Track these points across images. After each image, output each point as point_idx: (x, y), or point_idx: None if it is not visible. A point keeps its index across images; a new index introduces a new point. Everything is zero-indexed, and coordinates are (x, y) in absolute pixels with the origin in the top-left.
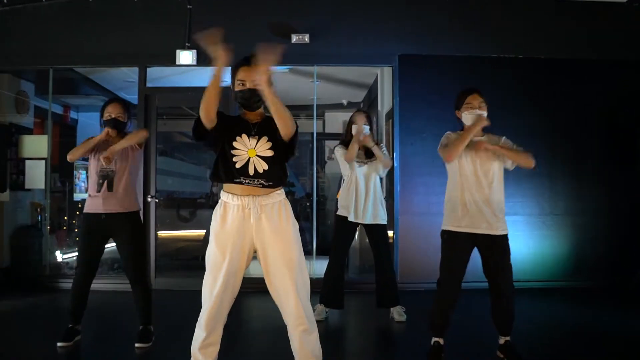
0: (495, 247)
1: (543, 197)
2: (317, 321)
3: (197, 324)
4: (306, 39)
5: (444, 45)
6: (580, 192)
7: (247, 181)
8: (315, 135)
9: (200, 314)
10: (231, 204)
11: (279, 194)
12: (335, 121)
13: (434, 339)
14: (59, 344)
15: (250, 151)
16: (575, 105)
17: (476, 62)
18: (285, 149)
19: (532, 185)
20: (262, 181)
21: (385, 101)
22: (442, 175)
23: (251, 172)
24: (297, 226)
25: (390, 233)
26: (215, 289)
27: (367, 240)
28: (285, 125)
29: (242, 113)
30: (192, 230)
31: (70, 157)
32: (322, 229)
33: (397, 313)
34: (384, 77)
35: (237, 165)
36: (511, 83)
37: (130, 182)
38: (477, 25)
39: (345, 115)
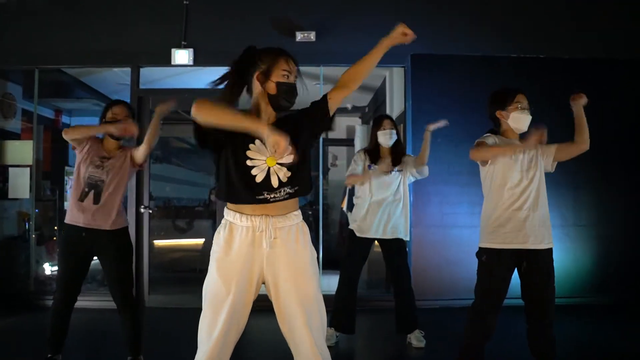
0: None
1: (566, 207)
2: (327, 346)
3: None
4: (312, 37)
5: (458, 45)
6: (605, 202)
7: (272, 196)
8: (320, 141)
9: (198, 356)
10: (238, 225)
11: (296, 215)
12: (339, 126)
13: None
14: None
15: (269, 160)
16: (599, 109)
17: (492, 62)
18: (309, 144)
19: (554, 195)
20: (287, 189)
21: (395, 104)
22: (458, 184)
23: (275, 184)
24: (315, 254)
25: None
26: (217, 329)
27: (383, 256)
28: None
29: (254, 111)
30: (190, 239)
31: (66, 134)
32: (326, 238)
33: (416, 338)
34: (394, 78)
35: (258, 180)
36: (529, 85)
37: (119, 197)
38: (494, 24)
39: (350, 120)
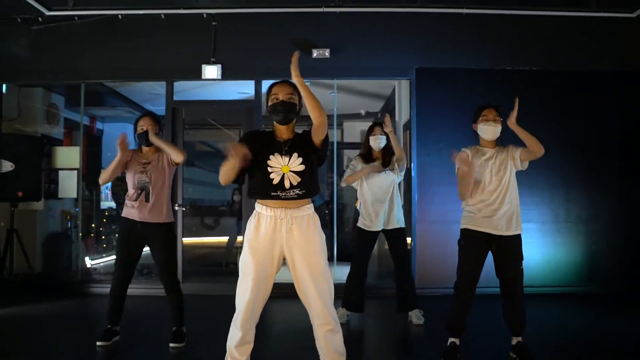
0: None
1: (557, 205)
2: (340, 323)
3: (233, 323)
4: (326, 54)
5: (460, 59)
6: (594, 200)
7: (283, 194)
8: (335, 144)
9: (235, 315)
10: (264, 215)
11: (309, 207)
12: (354, 130)
13: (450, 339)
14: (98, 343)
15: (284, 167)
16: (590, 116)
17: (492, 75)
18: (315, 160)
19: (546, 193)
20: (296, 191)
21: (402, 112)
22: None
23: (287, 185)
24: (324, 237)
25: (408, 240)
26: (248, 293)
27: (387, 247)
28: (319, 115)
29: (275, 130)
30: (215, 237)
31: (100, 181)
32: (341, 236)
33: (416, 316)
34: (402, 89)
35: (275, 182)
36: (527, 95)
37: (166, 194)
38: (494, 39)
39: (363, 125)
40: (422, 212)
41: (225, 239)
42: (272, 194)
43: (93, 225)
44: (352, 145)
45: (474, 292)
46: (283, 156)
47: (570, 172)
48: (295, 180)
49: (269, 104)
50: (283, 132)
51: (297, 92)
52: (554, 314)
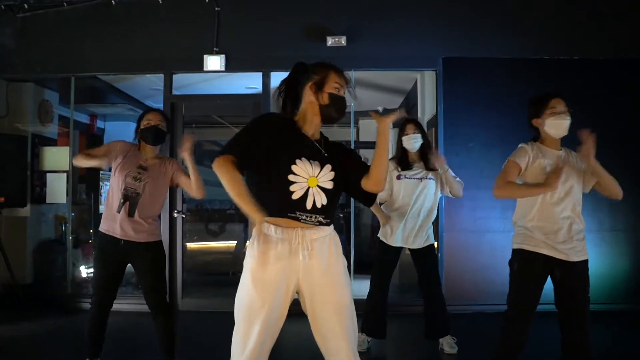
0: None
1: (602, 212)
2: (359, 352)
3: None
4: (343, 42)
5: (490, 47)
6: None
7: (303, 217)
8: (352, 143)
9: None
10: (274, 237)
11: (329, 227)
12: (370, 129)
13: None
14: None
15: (311, 180)
16: (634, 110)
17: (525, 65)
18: (342, 185)
19: (589, 200)
20: (320, 218)
21: (426, 108)
22: (490, 189)
23: (309, 205)
24: (346, 264)
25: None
26: (251, 341)
27: (412, 261)
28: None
29: (299, 120)
30: (221, 241)
31: (74, 161)
32: (357, 241)
33: (448, 344)
34: (425, 81)
35: (294, 197)
36: (566, 87)
37: (157, 210)
38: (530, 25)
39: None
40: (449, 219)
41: (232, 243)
42: (290, 214)
43: (91, 230)
44: (368, 145)
45: (529, 323)
46: (313, 164)
47: (615, 176)
48: (321, 200)
49: (329, 90)
50: (315, 126)
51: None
52: (600, 336)
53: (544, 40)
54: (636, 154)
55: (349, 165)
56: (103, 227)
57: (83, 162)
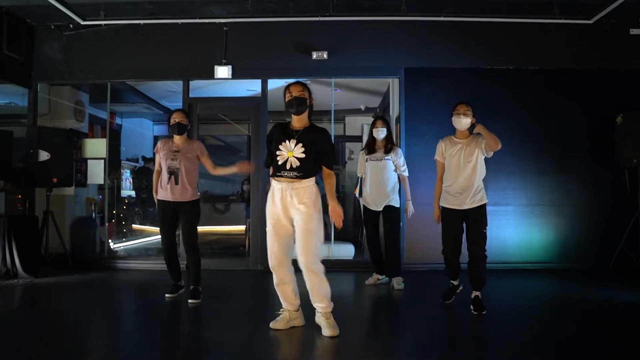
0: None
1: (531, 190)
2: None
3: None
4: (325, 55)
5: (444, 59)
6: (565, 186)
7: (285, 173)
8: (333, 137)
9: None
10: (276, 187)
11: (307, 182)
12: (355, 124)
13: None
14: (167, 296)
15: (289, 152)
16: (562, 110)
17: (473, 73)
18: (315, 155)
19: (521, 179)
20: (295, 173)
21: (395, 107)
22: None
23: (288, 167)
24: (319, 205)
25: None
26: (269, 243)
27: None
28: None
29: (292, 120)
30: (223, 226)
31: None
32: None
33: (396, 282)
34: (394, 86)
35: (280, 162)
36: (504, 92)
37: (193, 178)
38: (473, 41)
39: (364, 120)
40: (411, 195)
41: (236, 227)
42: (279, 172)
43: (114, 211)
44: (353, 139)
45: (456, 253)
46: (290, 143)
47: (544, 161)
48: (295, 164)
49: (286, 100)
50: (296, 122)
51: (307, 90)
52: (529, 287)
53: (487, 53)
54: (558, 143)
55: (316, 149)
56: (159, 196)
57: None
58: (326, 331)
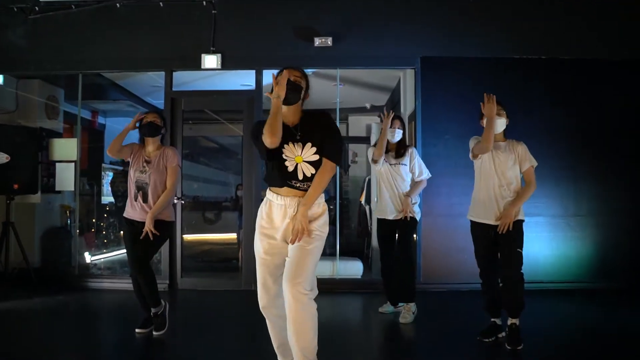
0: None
1: (567, 198)
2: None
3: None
4: (329, 42)
5: (466, 47)
6: (604, 193)
7: (297, 184)
8: None
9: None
10: (275, 203)
11: (318, 202)
12: (359, 124)
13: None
14: (137, 331)
15: (297, 158)
16: (599, 106)
17: (499, 63)
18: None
19: (555, 186)
20: (309, 183)
21: (407, 103)
22: (465, 177)
23: (300, 176)
24: (325, 229)
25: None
26: (260, 275)
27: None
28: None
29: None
30: (216, 234)
31: (108, 151)
32: (346, 232)
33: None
34: (407, 79)
35: (289, 170)
36: (534, 85)
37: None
38: (500, 27)
39: (369, 119)
40: (427, 205)
41: (226, 235)
42: (287, 183)
43: (94, 220)
44: (357, 140)
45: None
46: (296, 145)
47: (579, 165)
48: (309, 171)
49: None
50: (288, 115)
51: (305, 78)
52: (564, 311)
53: (515, 41)
54: (595, 145)
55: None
56: (125, 214)
57: (114, 147)
58: None
